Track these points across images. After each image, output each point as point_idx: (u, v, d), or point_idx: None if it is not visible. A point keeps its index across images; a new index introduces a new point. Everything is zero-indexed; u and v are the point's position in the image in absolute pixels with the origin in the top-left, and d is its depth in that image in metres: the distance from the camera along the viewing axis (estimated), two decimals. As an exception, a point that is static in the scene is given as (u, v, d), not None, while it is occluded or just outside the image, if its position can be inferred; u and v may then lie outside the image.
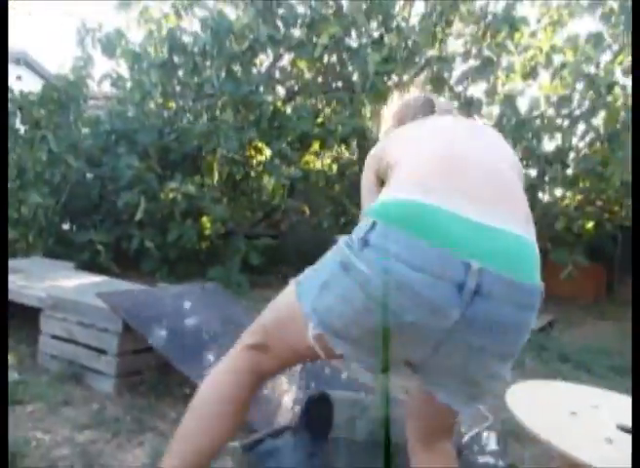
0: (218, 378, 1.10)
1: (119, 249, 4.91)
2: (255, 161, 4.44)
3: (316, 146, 4.59)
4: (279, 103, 4.58)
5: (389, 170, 1.08)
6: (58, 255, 4.96)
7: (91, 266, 4.81)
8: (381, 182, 1.19)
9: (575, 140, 5.28)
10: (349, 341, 0.91)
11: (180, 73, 4.48)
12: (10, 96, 4.37)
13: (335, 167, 4.71)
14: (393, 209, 0.90)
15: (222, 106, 4.26)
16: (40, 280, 3.05)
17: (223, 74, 3.92)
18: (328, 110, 4.65)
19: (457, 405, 0.96)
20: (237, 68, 4.18)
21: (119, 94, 5.73)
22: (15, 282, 2.86)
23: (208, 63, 4.11)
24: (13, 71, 12.50)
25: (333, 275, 0.93)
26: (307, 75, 4.91)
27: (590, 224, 5.33)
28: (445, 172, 0.94)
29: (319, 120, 4.44)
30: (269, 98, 4.48)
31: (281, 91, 5.02)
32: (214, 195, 4.78)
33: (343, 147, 4.46)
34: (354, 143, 4.32)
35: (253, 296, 4.98)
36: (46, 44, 35.31)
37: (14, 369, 2.42)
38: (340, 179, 4.50)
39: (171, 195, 4.77)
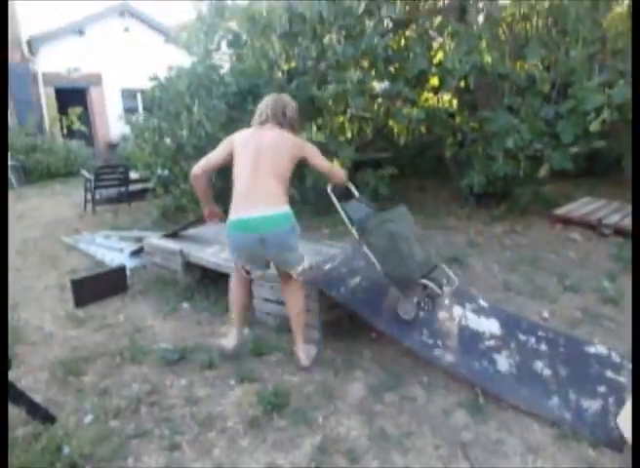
0: (233, 283, 2.81)
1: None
2: (377, 106, 4.70)
3: (434, 82, 4.68)
4: (392, 43, 4.66)
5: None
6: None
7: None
8: None
9: None
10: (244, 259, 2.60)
11: (301, 40, 4.74)
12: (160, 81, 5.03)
13: (455, 102, 4.76)
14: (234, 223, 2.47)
15: (346, 66, 4.49)
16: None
17: (342, 40, 4.10)
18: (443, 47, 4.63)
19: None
20: (355, 30, 4.32)
21: (238, 52, 6.14)
22: (217, 254, 3.71)
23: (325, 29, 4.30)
24: (119, 23, 13.29)
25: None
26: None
27: None
28: (244, 197, 2.46)
29: (438, 57, 4.47)
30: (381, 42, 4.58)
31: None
32: (341, 140, 5.20)
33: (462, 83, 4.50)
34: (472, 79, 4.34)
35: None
36: None
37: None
38: (461, 112, 4.58)
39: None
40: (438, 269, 2.93)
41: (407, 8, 4.77)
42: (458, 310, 3.10)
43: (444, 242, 4.94)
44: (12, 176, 10.12)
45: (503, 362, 2.63)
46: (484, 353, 2.70)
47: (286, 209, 2.46)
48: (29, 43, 11.92)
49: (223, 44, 5.90)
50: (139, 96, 14.64)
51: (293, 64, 5.17)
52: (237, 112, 5.67)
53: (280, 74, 4.98)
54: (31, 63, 12.00)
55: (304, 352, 2.66)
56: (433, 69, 4.44)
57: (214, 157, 2.61)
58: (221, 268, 3.46)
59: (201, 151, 5.48)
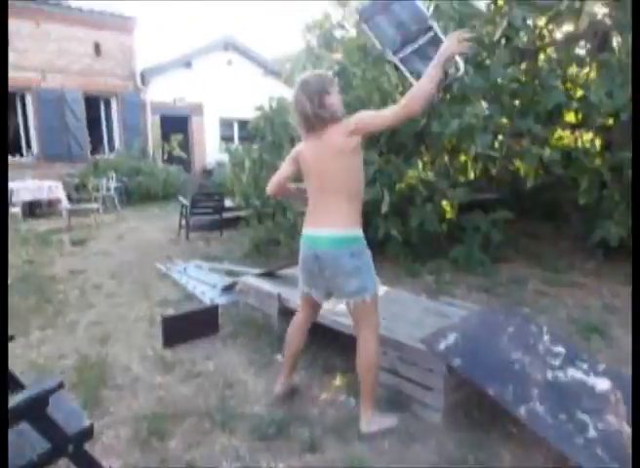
0: (293, 322, 2.71)
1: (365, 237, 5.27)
2: (499, 144, 4.17)
3: (570, 119, 4.09)
4: (519, 75, 4.15)
5: None
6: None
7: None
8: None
9: None
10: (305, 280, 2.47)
11: None
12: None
13: (597, 142, 4.12)
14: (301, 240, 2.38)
15: (466, 99, 4.05)
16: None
17: (470, 67, 3.67)
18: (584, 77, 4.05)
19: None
20: (486, 60, 3.88)
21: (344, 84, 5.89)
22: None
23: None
24: (223, 56, 13.84)
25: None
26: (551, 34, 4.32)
27: None
28: (311, 215, 2.32)
29: (578, 93, 3.89)
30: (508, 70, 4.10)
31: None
32: (452, 179, 4.72)
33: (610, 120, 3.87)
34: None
35: (495, 273, 4.93)
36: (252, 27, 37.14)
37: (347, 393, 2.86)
38: (600, 154, 3.92)
39: (411, 182, 4.87)
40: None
41: (536, 35, 4.27)
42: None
43: (574, 304, 4.21)
44: (115, 197, 10.60)
45: None
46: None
47: (348, 229, 2.21)
48: (142, 75, 12.71)
49: (330, 75, 5.69)
50: (235, 125, 15.11)
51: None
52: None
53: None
54: (142, 93, 12.75)
55: (369, 418, 2.31)
56: (574, 104, 3.86)
57: (282, 173, 2.44)
58: (324, 321, 3.05)
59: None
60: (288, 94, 6.95)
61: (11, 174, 10.45)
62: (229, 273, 5.18)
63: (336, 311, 3.09)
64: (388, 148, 5.43)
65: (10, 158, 10.87)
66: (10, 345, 2.04)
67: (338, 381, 2.89)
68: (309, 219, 2.32)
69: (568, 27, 4.12)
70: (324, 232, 2.20)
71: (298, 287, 3.55)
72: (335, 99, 2.18)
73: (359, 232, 2.25)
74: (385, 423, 2.34)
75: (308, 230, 2.30)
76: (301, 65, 6.23)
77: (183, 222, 7.54)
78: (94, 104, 12.18)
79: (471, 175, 4.23)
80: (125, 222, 9.21)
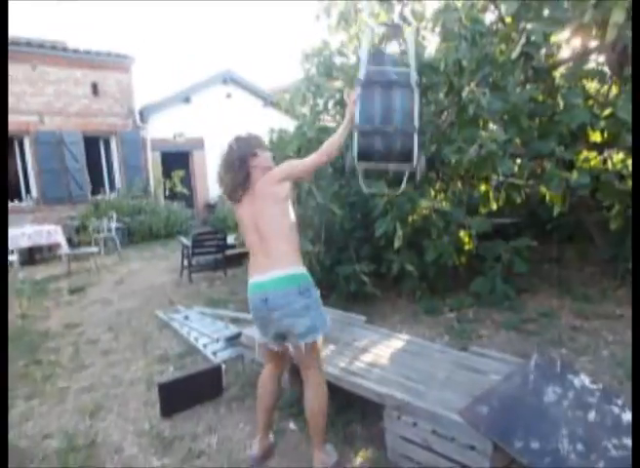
0: (261, 375, 2.60)
1: (378, 273, 4.90)
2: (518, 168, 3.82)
3: (595, 137, 3.76)
4: (538, 95, 3.85)
5: None
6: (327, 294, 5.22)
7: (356, 295, 4.92)
8: None
9: None
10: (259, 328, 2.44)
11: (430, 94, 4.11)
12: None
13: (629, 162, 3.78)
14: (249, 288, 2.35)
15: (478, 122, 3.74)
16: (345, 345, 3.09)
17: (486, 90, 3.35)
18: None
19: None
20: (503, 80, 3.58)
21: (342, 113, 5.63)
22: (333, 361, 2.93)
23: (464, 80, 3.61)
24: (222, 90, 13.78)
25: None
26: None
27: None
28: (256, 265, 2.34)
29: (605, 111, 3.57)
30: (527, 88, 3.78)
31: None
32: (468, 207, 4.39)
33: None
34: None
35: (522, 306, 4.52)
36: (246, 58, 38.01)
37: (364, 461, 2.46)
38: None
39: (424, 213, 4.54)
40: None
41: (553, 50, 3.98)
42: None
43: (615, 340, 3.79)
44: (116, 238, 10.33)
45: None
46: None
47: (293, 267, 2.26)
48: (141, 112, 12.61)
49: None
50: (237, 157, 14.93)
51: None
52: (347, 178, 5.06)
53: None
54: (142, 131, 12.63)
55: (323, 460, 2.32)
56: (600, 123, 3.53)
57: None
58: (340, 382, 2.66)
59: (308, 222, 4.89)
60: (288, 124, 6.74)
61: (10, 219, 10.27)
62: (234, 321, 4.81)
63: (354, 371, 2.71)
64: (396, 178, 5.12)
65: (9, 203, 10.69)
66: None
67: (360, 457, 2.49)
68: (253, 269, 2.33)
69: (587, 41, 3.83)
70: (271, 275, 2.23)
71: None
72: (262, 158, 2.36)
73: (304, 270, 2.30)
74: (331, 459, 2.35)
75: (255, 278, 2.30)
76: (301, 95, 6.00)
77: (186, 263, 7.21)
78: (93, 144, 12.05)
79: (494, 206, 3.88)
80: (126, 264, 8.90)
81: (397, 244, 4.44)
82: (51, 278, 7.96)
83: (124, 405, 3.25)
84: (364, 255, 4.94)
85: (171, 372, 3.75)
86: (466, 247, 4.64)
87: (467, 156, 3.47)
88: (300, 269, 2.28)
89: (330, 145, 2.35)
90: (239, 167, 2.30)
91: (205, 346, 4.12)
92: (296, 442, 2.66)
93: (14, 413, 3.23)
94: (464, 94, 3.45)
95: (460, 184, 5.01)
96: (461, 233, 4.60)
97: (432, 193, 4.84)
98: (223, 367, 3.58)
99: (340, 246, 5.07)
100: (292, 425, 2.79)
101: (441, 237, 4.61)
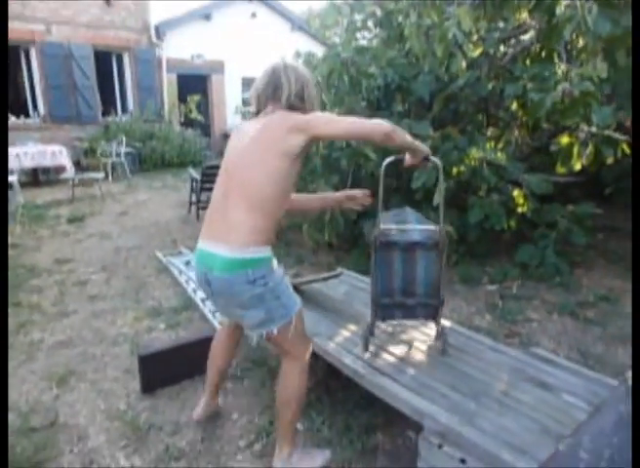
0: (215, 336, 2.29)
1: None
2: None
3: None
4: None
5: None
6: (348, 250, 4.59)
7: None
8: None
9: None
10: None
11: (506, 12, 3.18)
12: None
13: None
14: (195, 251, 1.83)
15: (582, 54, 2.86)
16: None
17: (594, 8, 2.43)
18: None
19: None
20: None
21: (382, 34, 4.73)
22: (352, 349, 2.34)
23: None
24: (247, 8, 12.54)
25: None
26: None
27: None
28: (209, 221, 1.80)
29: None
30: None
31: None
32: (528, 163, 3.63)
33: None
34: None
35: (577, 284, 3.84)
36: None
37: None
38: None
39: (473, 164, 3.78)
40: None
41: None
42: None
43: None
44: (125, 164, 9.72)
45: None
46: None
47: (251, 248, 1.66)
48: (157, 28, 11.53)
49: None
50: (259, 85, 13.90)
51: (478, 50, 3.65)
52: (380, 115, 4.25)
53: (464, 65, 3.47)
54: (157, 49, 11.62)
55: (284, 457, 1.90)
56: None
57: None
58: (362, 382, 2.07)
59: (334, 165, 4.16)
60: (317, 51, 5.82)
61: (16, 136, 9.65)
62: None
63: (380, 367, 2.11)
64: (442, 120, 4.30)
65: (14, 119, 10.04)
66: None
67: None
68: (206, 229, 1.81)
69: None
70: (219, 250, 1.69)
71: (325, 315, 2.63)
72: (313, 95, 1.83)
73: (266, 253, 1.71)
74: (307, 463, 1.94)
75: (202, 243, 1.78)
76: (334, 19, 5.08)
77: (194, 198, 6.58)
78: (104, 61, 11.12)
79: (578, 165, 3.10)
80: (133, 193, 8.33)
81: (437, 199, 3.71)
82: (52, 203, 7.44)
83: (100, 371, 2.74)
84: (393, 209, 4.24)
85: (160, 331, 3.23)
86: (519, 209, 3.90)
87: (551, 98, 2.65)
88: (260, 251, 1.68)
89: (396, 129, 1.68)
90: (305, 95, 1.78)
91: (203, 302, 3.57)
92: (301, 444, 2.12)
93: (-27, 370, 2.75)
94: (560, 9, 2.58)
95: (517, 132, 4.18)
96: (515, 192, 3.84)
97: (484, 142, 4.02)
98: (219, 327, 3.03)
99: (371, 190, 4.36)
100: (298, 424, 2.24)
101: (490, 195, 3.87)
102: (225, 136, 12.94)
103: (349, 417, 2.24)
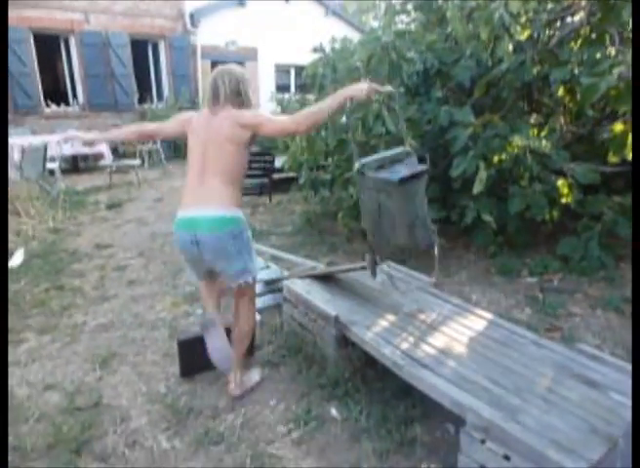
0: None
1: (444, 219, 4.13)
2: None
3: None
4: None
5: None
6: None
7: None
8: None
9: None
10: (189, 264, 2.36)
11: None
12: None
13: None
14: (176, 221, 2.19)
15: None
16: (407, 317, 2.45)
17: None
18: None
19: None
20: None
21: (421, 18, 4.61)
22: (392, 339, 2.31)
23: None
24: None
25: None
26: None
27: None
28: (189, 194, 2.17)
29: None
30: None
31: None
32: (571, 152, 3.48)
33: None
34: None
35: (622, 279, 3.68)
36: None
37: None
38: None
39: (516, 152, 3.66)
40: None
41: None
42: None
43: None
44: (161, 151, 9.87)
45: None
46: None
47: (230, 210, 2.14)
48: (192, 15, 11.58)
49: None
50: (292, 72, 13.85)
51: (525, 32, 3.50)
52: (418, 102, 4.16)
53: (511, 47, 3.33)
54: (192, 36, 11.68)
55: (237, 382, 2.39)
56: None
57: (166, 129, 2.44)
58: (401, 373, 2.05)
59: (370, 153, 4.10)
60: (353, 36, 5.72)
61: (56, 124, 9.94)
62: (275, 259, 4.25)
63: (420, 359, 2.08)
64: (482, 106, 4.17)
65: (55, 107, 10.32)
66: None
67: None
68: (186, 200, 2.19)
69: None
70: (205, 213, 2.11)
71: (362, 304, 2.62)
72: (247, 88, 2.22)
73: (240, 213, 2.18)
74: (252, 381, 2.46)
75: (186, 212, 2.17)
76: (371, 2, 4.96)
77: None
78: (140, 49, 11.27)
79: (631, 155, 2.97)
80: (169, 180, 8.47)
81: (478, 188, 3.62)
82: (91, 189, 7.64)
83: (141, 354, 2.81)
84: (429, 197, 4.15)
85: (198, 316, 3.27)
86: (562, 200, 3.77)
87: (607, 82, 2.52)
88: (238, 212, 2.16)
89: (306, 118, 2.07)
90: (241, 89, 2.19)
91: (239, 288, 3.60)
92: (337, 433, 2.12)
93: (21, 350, 2.86)
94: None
95: (562, 120, 4.02)
96: (560, 182, 3.71)
97: (527, 129, 3.88)
98: (258, 318, 3.06)
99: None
100: (333, 411, 2.24)
101: (532, 185, 3.74)
102: (258, 124, 12.98)
103: (386, 408, 2.22)
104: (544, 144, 3.57)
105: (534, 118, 4.21)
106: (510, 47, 3.34)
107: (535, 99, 4.11)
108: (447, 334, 2.32)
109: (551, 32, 4.22)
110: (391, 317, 2.49)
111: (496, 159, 3.75)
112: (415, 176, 2.20)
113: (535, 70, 3.90)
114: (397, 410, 2.20)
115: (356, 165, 2.20)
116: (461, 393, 1.85)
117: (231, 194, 2.13)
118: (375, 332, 2.32)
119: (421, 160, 2.34)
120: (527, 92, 4.15)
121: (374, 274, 2.54)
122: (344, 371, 2.43)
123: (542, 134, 4.03)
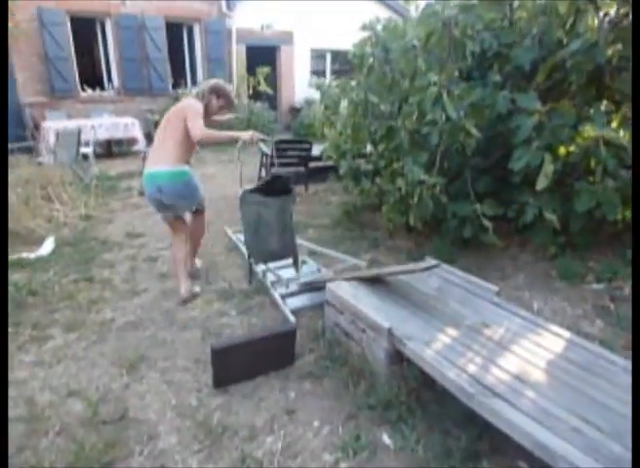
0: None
1: (503, 217, 3.77)
2: None
3: None
4: None
5: None
6: (428, 235, 4.21)
7: (466, 241, 3.87)
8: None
9: None
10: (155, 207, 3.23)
11: None
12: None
13: None
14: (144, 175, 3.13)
15: None
16: (471, 332, 2.14)
17: None
18: None
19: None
20: None
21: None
22: (453, 362, 2.01)
23: None
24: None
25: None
26: None
27: None
28: (152, 154, 3.14)
29: None
30: None
31: None
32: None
33: None
34: None
35: None
36: None
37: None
38: None
39: (585, 143, 3.26)
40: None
41: None
42: None
43: None
44: (194, 138, 9.69)
45: None
46: None
47: (178, 167, 3.05)
48: (228, -2, 11.30)
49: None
50: (328, 56, 13.46)
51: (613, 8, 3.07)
52: (472, 86, 3.77)
53: (596, 23, 2.92)
54: (228, 20, 11.41)
55: (186, 288, 3.26)
56: None
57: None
58: (467, 397, 1.75)
59: (420, 141, 3.76)
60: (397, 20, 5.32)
61: (92, 108, 9.87)
62: (312, 254, 3.98)
63: (491, 386, 1.77)
64: (548, 92, 3.76)
65: (90, 91, 10.25)
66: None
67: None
68: (151, 160, 3.09)
69: None
70: (164, 168, 3.01)
71: (415, 313, 2.33)
72: (214, 104, 3.23)
73: (187, 167, 3.13)
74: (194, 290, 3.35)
75: (151, 169, 3.05)
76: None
77: (264, 173, 6.38)
78: (175, 32, 11.07)
79: None
80: (201, 167, 8.27)
81: (542, 184, 3.24)
82: (124, 175, 7.52)
83: (171, 358, 2.59)
84: (480, 191, 3.79)
85: (232, 317, 3.04)
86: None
87: None
88: (186, 167, 3.11)
89: (208, 135, 2.88)
90: (207, 94, 3.17)
91: (273, 286, 3.35)
92: (391, 466, 1.84)
93: (47, 348, 2.69)
94: None
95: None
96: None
97: (601, 118, 3.46)
98: (293, 319, 2.82)
99: (452, 176, 3.93)
100: (386, 438, 1.96)
101: (604, 180, 3.34)
102: (293, 110, 12.67)
103: (448, 438, 1.93)
104: (622, 135, 3.15)
105: (604, 105, 3.77)
106: (596, 22, 2.93)
107: (606, 85, 3.67)
108: (519, 356, 2.00)
109: (626, 9, 3.76)
110: (452, 331, 2.19)
111: (562, 151, 3.35)
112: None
113: (608, 52, 3.47)
114: (460, 442, 1.90)
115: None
116: (546, 433, 1.55)
117: (181, 156, 3.04)
118: (435, 350, 2.02)
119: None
120: (597, 75, 3.70)
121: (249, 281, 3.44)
122: (397, 392, 2.14)
123: (614, 123, 3.60)
